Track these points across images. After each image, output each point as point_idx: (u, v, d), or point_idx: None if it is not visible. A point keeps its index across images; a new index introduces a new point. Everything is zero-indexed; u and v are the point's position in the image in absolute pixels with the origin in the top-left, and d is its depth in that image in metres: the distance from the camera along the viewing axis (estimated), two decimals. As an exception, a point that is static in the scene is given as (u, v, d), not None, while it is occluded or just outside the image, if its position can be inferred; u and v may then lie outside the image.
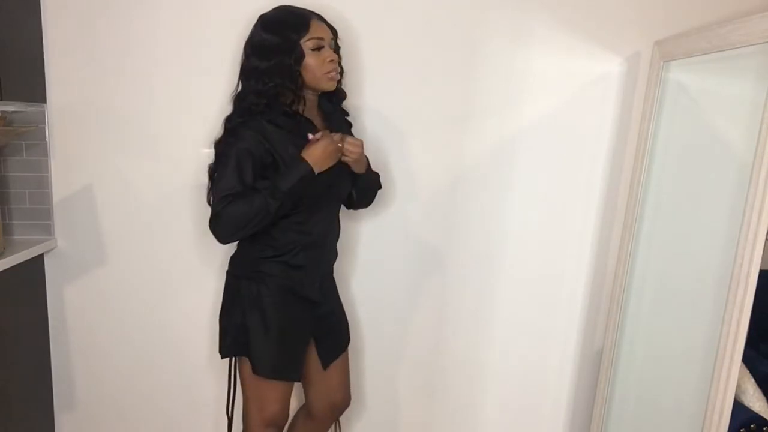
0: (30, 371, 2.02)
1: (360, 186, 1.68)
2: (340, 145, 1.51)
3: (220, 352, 1.64)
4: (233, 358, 1.66)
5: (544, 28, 1.88)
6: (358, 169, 1.62)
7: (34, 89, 1.91)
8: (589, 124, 1.95)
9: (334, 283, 1.78)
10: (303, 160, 1.46)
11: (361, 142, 1.58)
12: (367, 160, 1.70)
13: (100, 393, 2.14)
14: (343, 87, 1.67)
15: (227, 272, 1.64)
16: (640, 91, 1.90)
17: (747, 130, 1.36)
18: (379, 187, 1.79)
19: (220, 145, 1.51)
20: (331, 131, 1.61)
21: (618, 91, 1.92)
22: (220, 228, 1.46)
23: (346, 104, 1.75)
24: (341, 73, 1.61)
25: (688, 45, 1.63)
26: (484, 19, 1.88)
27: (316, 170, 1.47)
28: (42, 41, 1.91)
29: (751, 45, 1.34)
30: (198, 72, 1.92)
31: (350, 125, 1.76)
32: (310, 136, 1.51)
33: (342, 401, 1.80)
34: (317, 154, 1.47)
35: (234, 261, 1.64)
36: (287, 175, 1.46)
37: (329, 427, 1.84)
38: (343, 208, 1.75)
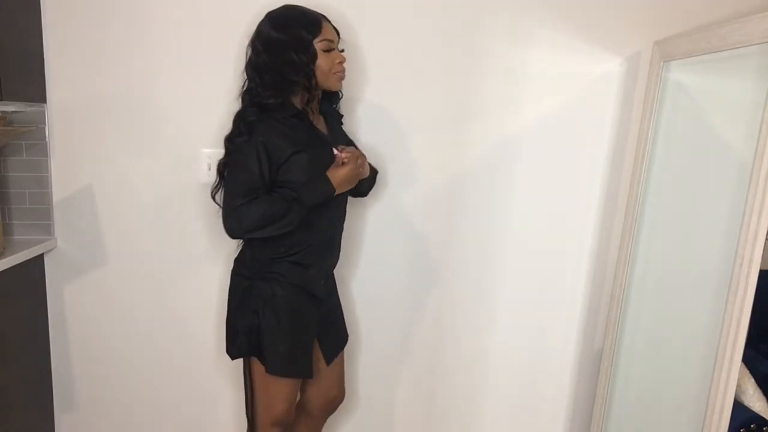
0: (30, 371, 2.02)
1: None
2: (360, 165, 1.58)
3: (229, 353, 1.64)
4: (246, 359, 1.65)
5: (545, 28, 1.88)
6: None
7: (34, 89, 1.91)
8: (589, 124, 1.95)
9: (335, 280, 1.79)
10: (328, 180, 1.50)
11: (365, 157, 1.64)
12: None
13: (100, 393, 2.14)
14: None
15: (233, 273, 1.64)
16: (640, 91, 1.90)
17: (747, 130, 1.36)
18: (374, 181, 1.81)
19: (234, 141, 1.51)
20: (331, 132, 1.63)
21: (618, 91, 1.92)
22: (238, 223, 1.46)
23: (348, 103, 1.76)
24: None
25: (688, 45, 1.63)
26: (484, 20, 1.88)
27: (337, 192, 1.52)
28: (42, 41, 1.91)
29: (751, 45, 1.34)
30: (198, 72, 1.92)
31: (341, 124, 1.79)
32: (335, 152, 1.54)
33: (338, 396, 1.82)
34: (341, 177, 1.52)
35: (242, 262, 1.63)
36: (311, 191, 1.49)
37: (324, 422, 1.86)
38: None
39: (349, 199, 1.73)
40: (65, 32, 1.91)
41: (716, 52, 1.49)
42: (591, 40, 1.88)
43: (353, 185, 1.57)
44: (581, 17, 1.87)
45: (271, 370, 1.56)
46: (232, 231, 1.48)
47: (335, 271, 1.78)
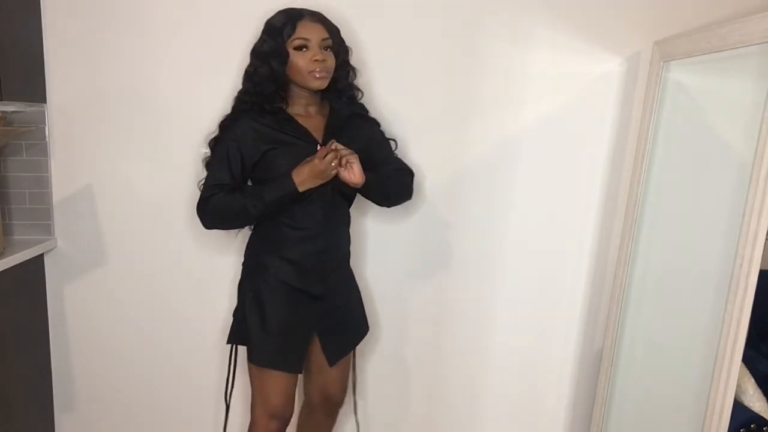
0: (30, 371, 2.02)
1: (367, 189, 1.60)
2: (333, 163, 1.47)
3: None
4: (234, 347, 1.71)
5: (545, 29, 1.88)
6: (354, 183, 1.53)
7: (34, 89, 1.91)
8: (589, 124, 1.95)
9: (347, 279, 1.77)
10: (289, 176, 1.50)
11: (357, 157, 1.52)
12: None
13: (100, 393, 2.14)
14: (352, 82, 1.71)
15: (242, 264, 1.73)
16: (640, 91, 1.90)
17: (747, 130, 1.36)
18: (408, 193, 1.73)
19: (212, 139, 1.64)
20: (331, 130, 1.62)
21: (618, 91, 1.92)
22: (203, 215, 1.59)
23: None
24: (354, 72, 1.68)
25: (688, 45, 1.63)
26: (484, 20, 1.88)
27: (301, 189, 1.50)
28: (42, 41, 1.91)
29: (751, 45, 1.34)
30: (198, 72, 1.92)
31: (374, 123, 1.77)
32: (320, 148, 1.53)
33: (336, 394, 1.81)
34: (304, 174, 1.50)
35: (244, 254, 1.71)
36: (273, 187, 1.52)
37: (328, 420, 1.86)
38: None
39: (356, 201, 1.74)
40: (65, 32, 1.91)
41: (716, 52, 1.49)
42: (591, 40, 1.88)
43: (321, 181, 1.49)
44: (581, 17, 1.87)
45: (252, 359, 1.62)
46: (202, 222, 1.60)
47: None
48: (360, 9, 1.86)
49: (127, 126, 1.96)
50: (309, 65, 1.52)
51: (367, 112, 1.78)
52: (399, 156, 1.80)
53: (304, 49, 1.52)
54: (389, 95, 1.92)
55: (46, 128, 1.96)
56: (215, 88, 1.89)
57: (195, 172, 1.95)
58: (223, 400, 1.78)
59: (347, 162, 1.49)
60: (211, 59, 1.90)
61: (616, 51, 1.89)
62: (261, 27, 1.63)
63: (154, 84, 1.93)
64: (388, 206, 1.75)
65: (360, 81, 1.88)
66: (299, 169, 1.50)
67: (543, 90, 1.92)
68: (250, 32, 1.76)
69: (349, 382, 1.86)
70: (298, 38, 1.52)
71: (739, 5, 1.83)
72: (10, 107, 1.90)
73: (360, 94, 1.74)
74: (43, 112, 1.95)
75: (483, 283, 2.06)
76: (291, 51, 1.52)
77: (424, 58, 1.91)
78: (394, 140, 1.79)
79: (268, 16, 1.62)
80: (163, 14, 1.89)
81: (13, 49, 1.80)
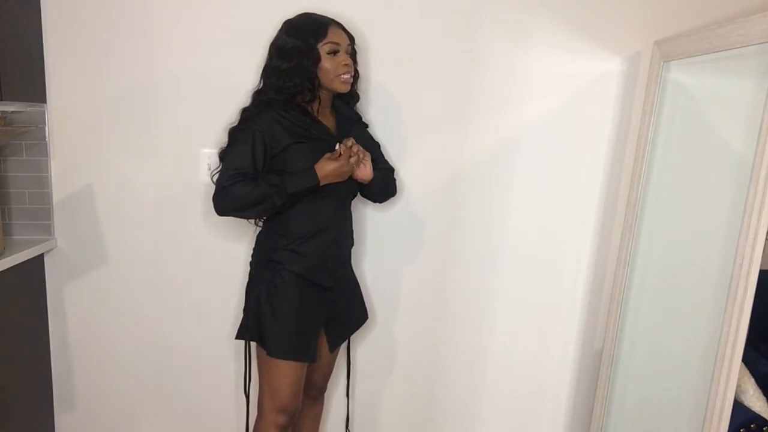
0: (30, 371, 2.02)
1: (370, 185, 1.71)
2: (353, 163, 1.60)
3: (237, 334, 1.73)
4: (246, 343, 1.73)
5: (545, 29, 1.88)
6: (364, 180, 1.67)
7: (34, 89, 1.91)
8: (590, 124, 1.95)
9: (350, 270, 1.82)
10: (313, 171, 1.56)
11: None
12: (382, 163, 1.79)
13: (100, 393, 2.14)
14: (357, 90, 1.74)
15: (250, 262, 1.73)
16: (640, 91, 1.90)
17: (747, 130, 1.36)
18: (393, 190, 1.83)
19: (235, 129, 1.63)
20: (340, 131, 1.67)
21: (618, 91, 1.92)
22: (222, 202, 1.57)
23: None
24: (356, 77, 1.70)
25: (688, 45, 1.63)
26: (484, 20, 1.88)
27: (322, 183, 1.57)
28: (42, 41, 1.91)
29: (751, 45, 1.34)
30: (198, 72, 1.92)
31: (366, 126, 1.82)
32: (338, 147, 1.59)
33: (317, 381, 1.85)
34: (328, 171, 1.57)
35: (254, 250, 1.73)
36: (296, 179, 1.56)
37: (315, 405, 1.89)
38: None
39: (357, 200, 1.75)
40: (65, 32, 1.91)
41: (716, 52, 1.49)
42: (591, 40, 1.89)
43: (341, 179, 1.60)
44: (581, 17, 1.87)
45: (270, 352, 1.63)
46: (217, 209, 1.59)
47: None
48: (361, 10, 1.85)
49: (127, 126, 1.96)
50: (338, 69, 1.59)
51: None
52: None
53: (333, 54, 1.58)
54: (390, 96, 1.92)
55: (46, 128, 1.96)
56: (215, 89, 1.89)
57: (195, 171, 1.96)
58: (243, 393, 1.79)
59: (363, 159, 1.62)
60: (211, 60, 1.90)
61: (616, 51, 1.89)
62: (261, 28, 1.65)
63: (154, 84, 1.93)
64: (381, 202, 1.84)
65: (362, 81, 1.89)
66: (323, 166, 1.57)
67: (543, 90, 1.92)
68: (250, 33, 1.76)
69: (342, 370, 1.89)
70: (331, 42, 1.57)
71: (739, 5, 1.84)
72: (10, 107, 1.90)
73: (357, 98, 1.77)
74: (43, 112, 1.95)
75: (483, 284, 2.06)
76: (323, 54, 1.57)
77: (424, 58, 1.91)
78: (377, 142, 1.84)
79: (268, 18, 1.64)
80: (163, 14, 1.89)
81: (13, 49, 1.80)
